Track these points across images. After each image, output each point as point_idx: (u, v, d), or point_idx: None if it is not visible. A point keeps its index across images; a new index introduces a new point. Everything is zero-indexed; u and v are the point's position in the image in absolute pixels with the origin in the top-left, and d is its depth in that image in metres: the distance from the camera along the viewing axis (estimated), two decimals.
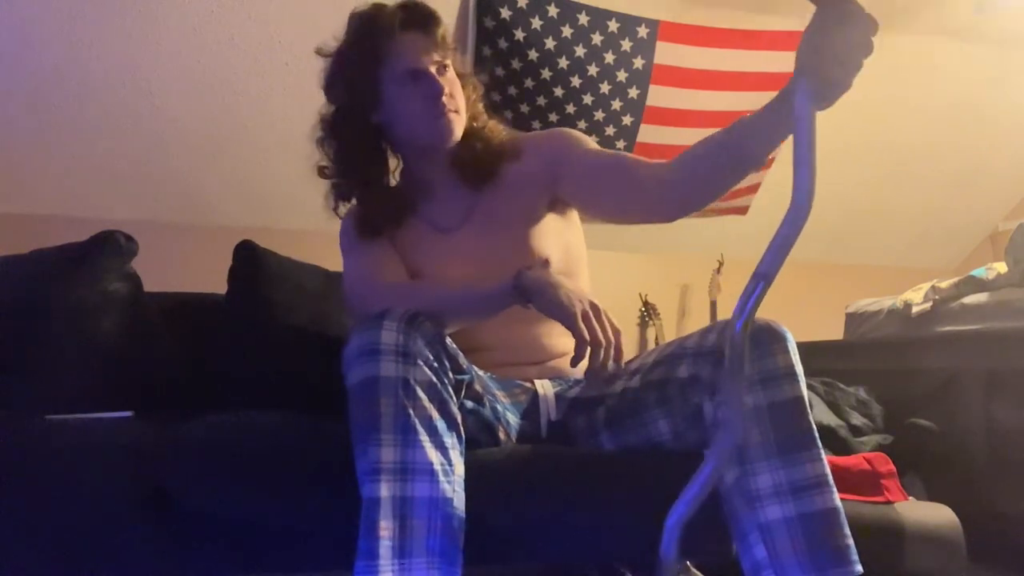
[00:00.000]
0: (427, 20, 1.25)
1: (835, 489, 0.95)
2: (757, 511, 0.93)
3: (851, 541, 0.92)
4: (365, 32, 1.24)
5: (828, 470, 0.95)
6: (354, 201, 1.35)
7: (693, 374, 1.03)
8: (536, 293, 1.05)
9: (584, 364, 1.27)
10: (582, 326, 0.97)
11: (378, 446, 0.89)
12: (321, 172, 1.32)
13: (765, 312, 1.09)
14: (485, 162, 1.31)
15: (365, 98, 1.26)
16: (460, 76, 1.30)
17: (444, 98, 1.23)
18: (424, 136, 1.27)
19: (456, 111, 1.26)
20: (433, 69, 1.24)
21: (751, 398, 0.96)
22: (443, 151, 1.29)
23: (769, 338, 0.99)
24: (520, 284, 1.07)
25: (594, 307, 1.00)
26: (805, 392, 0.98)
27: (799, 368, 0.99)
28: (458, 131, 1.27)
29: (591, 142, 1.32)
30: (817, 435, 0.97)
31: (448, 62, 1.27)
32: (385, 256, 1.29)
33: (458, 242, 1.29)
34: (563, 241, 1.32)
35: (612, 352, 0.97)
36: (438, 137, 1.26)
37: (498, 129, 1.35)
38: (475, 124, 1.32)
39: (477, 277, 1.18)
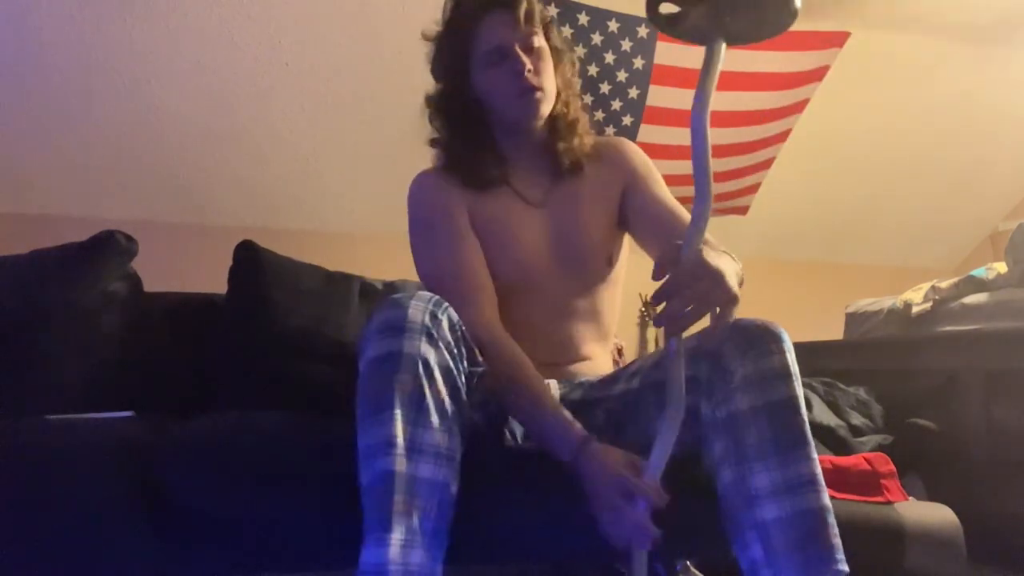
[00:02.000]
0: None
1: (825, 488, 0.96)
2: (754, 510, 0.94)
3: (839, 540, 0.93)
4: (454, 16, 1.28)
5: (819, 469, 0.96)
6: (433, 163, 1.36)
7: (691, 375, 1.03)
8: (587, 483, 0.99)
9: (593, 367, 1.29)
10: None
11: (392, 421, 0.89)
12: (433, 143, 1.35)
13: (766, 311, 1.10)
14: (573, 155, 1.33)
15: (460, 79, 1.29)
16: (554, 51, 1.30)
17: (528, 75, 1.22)
18: (510, 114, 1.28)
19: (541, 88, 1.25)
20: (518, 46, 1.24)
21: (747, 399, 0.97)
22: (530, 129, 1.30)
23: (766, 338, 1.00)
24: (577, 469, 1.00)
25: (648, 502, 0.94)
26: (800, 391, 0.99)
27: (795, 368, 1.00)
28: (543, 108, 1.27)
29: (658, 176, 1.35)
30: (810, 434, 0.98)
31: (535, 39, 1.26)
32: (463, 245, 1.26)
33: (542, 217, 1.32)
34: (618, 244, 1.36)
35: None
36: (522, 115, 1.26)
37: (585, 124, 1.36)
38: (567, 108, 1.32)
39: (551, 253, 1.27)
